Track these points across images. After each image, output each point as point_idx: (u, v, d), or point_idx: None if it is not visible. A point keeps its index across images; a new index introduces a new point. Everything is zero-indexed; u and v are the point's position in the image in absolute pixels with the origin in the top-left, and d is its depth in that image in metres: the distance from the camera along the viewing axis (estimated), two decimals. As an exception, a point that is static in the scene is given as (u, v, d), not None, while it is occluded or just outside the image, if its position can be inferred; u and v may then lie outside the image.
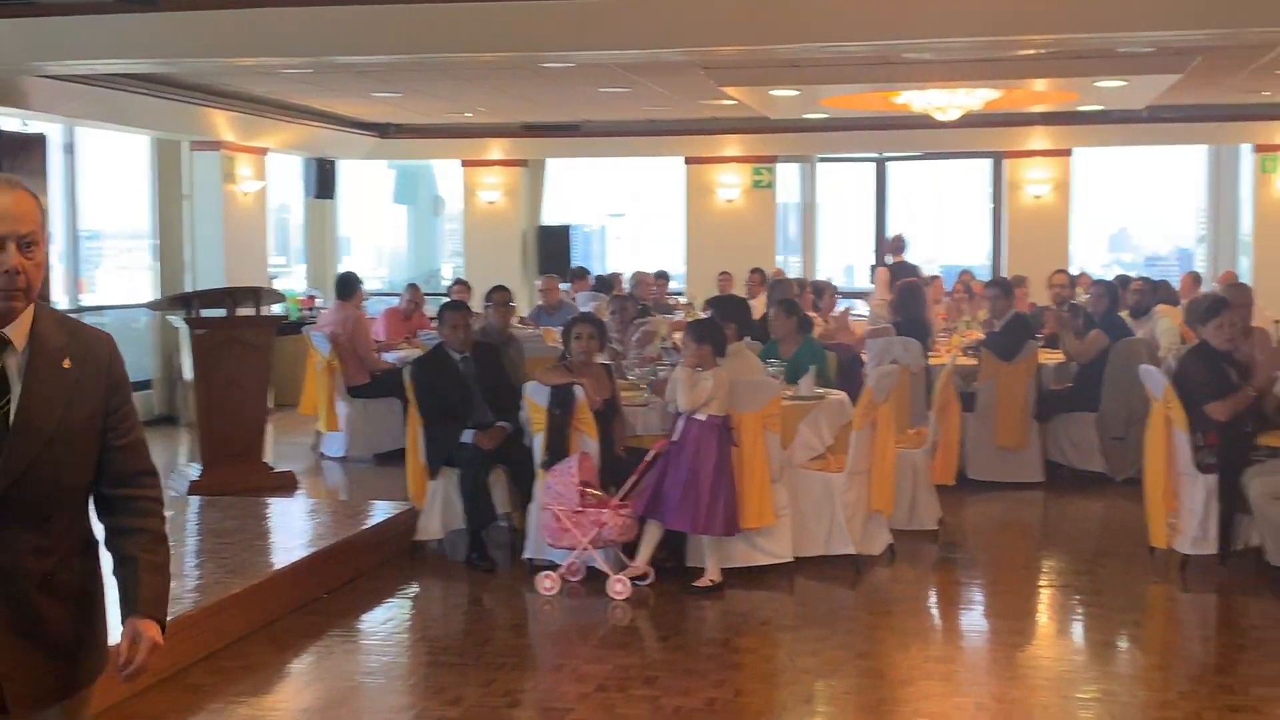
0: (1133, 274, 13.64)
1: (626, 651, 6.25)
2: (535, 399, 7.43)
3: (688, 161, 17.21)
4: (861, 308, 15.25)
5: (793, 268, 17.50)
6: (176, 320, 9.43)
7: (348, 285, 11.52)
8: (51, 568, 2.77)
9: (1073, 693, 5.65)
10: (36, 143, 11.93)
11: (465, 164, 17.85)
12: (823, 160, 17.95)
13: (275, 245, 17.33)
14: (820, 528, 7.42)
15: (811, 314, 10.48)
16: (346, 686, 5.83)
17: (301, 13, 9.20)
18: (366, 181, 19.93)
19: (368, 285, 12.35)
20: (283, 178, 16.84)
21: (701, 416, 6.96)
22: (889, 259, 14.93)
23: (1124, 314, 11.18)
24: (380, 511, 8.21)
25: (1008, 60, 10.93)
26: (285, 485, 9.50)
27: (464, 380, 7.98)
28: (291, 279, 17.86)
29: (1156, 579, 7.41)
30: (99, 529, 2.94)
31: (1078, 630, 6.88)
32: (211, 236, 14.11)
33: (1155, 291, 12.28)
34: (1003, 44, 9.50)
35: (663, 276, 15.32)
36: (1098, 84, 12.15)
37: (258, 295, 9.77)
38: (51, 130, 12.46)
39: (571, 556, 7.11)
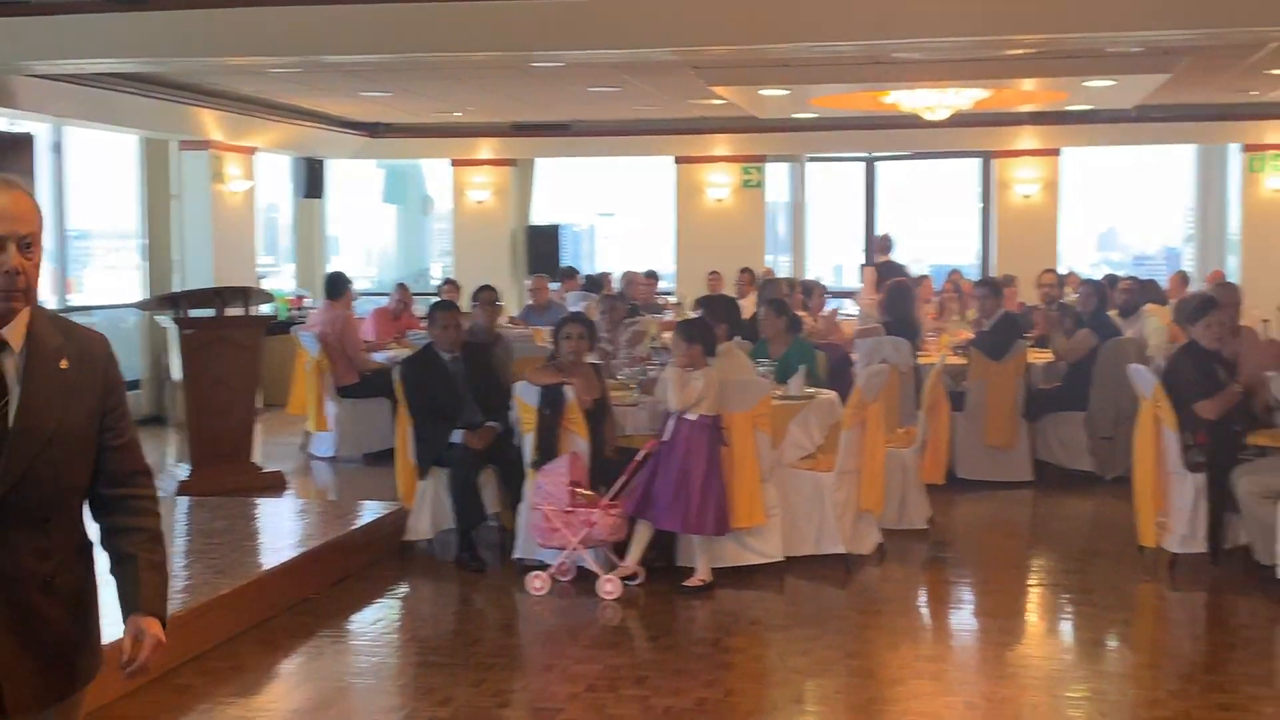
0: (1121, 273, 13.66)
1: (617, 651, 6.24)
2: (525, 399, 7.43)
3: (677, 161, 17.20)
4: (850, 307, 15.28)
5: (782, 267, 17.51)
6: (165, 320, 9.41)
7: (337, 285, 11.50)
8: (52, 570, 2.76)
9: (1062, 691, 5.66)
10: (24, 142, 11.89)
11: (454, 163, 17.83)
12: (812, 160, 17.95)
13: (264, 245, 17.28)
14: (810, 527, 7.43)
15: (801, 313, 10.49)
16: (336, 687, 5.82)
17: (290, 12, 9.18)
18: (355, 181, 19.91)
19: (356, 285, 12.32)
20: (271, 177, 16.81)
21: (692, 416, 6.96)
22: (876, 258, 14.94)
23: (1112, 313, 11.19)
24: (369, 512, 8.20)
25: (997, 60, 10.95)
26: (274, 485, 9.48)
27: (453, 380, 7.97)
28: (280, 279, 17.82)
29: (1145, 578, 7.42)
30: (92, 529, 2.94)
31: (1067, 629, 6.89)
32: (200, 236, 14.07)
33: (1143, 291, 12.29)
34: (992, 44, 9.51)
35: (652, 276, 15.32)
36: (1086, 84, 12.17)
37: (246, 295, 9.75)
38: (39, 130, 12.42)
39: (561, 556, 7.10)
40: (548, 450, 7.23)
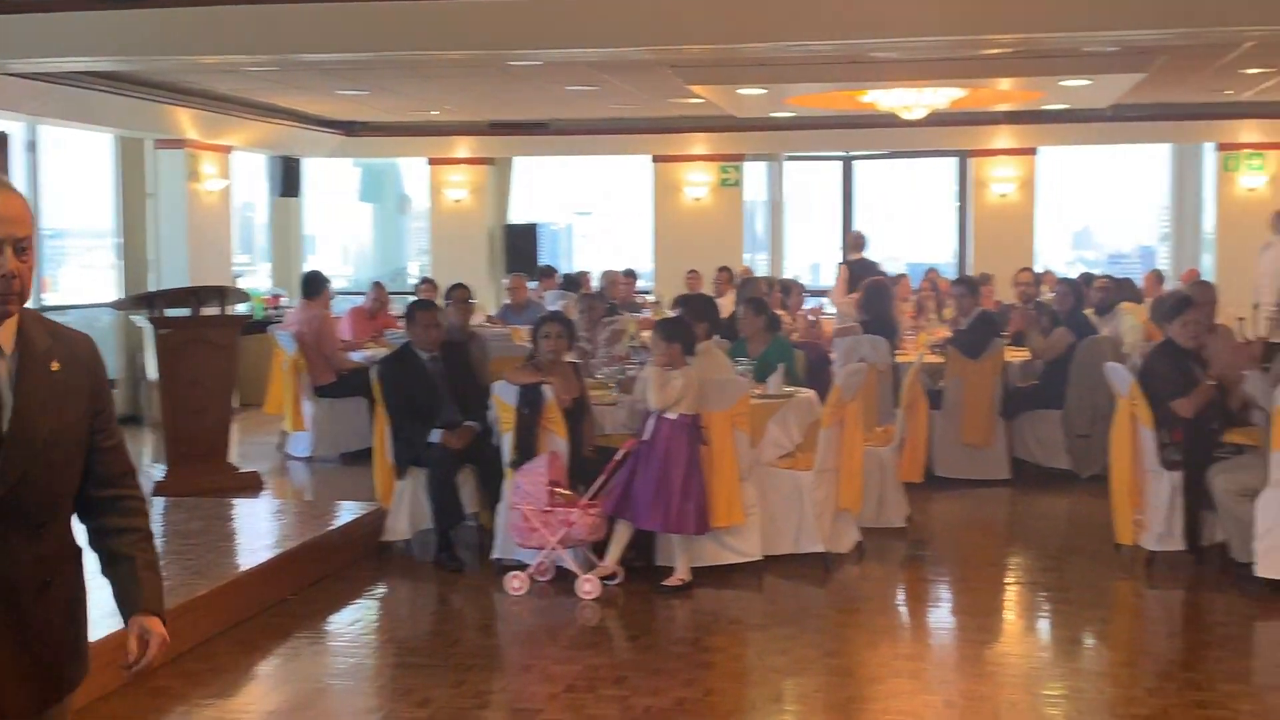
0: (1097, 272, 13.71)
1: (595, 651, 6.24)
2: (504, 398, 7.41)
3: (655, 160, 17.21)
4: (831, 306, 15.29)
5: (760, 266, 17.53)
6: (140, 320, 9.36)
7: (314, 284, 11.45)
8: (48, 576, 2.75)
9: (1040, 689, 5.67)
10: (-1, 141, 11.84)
11: (431, 162, 17.79)
12: (790, 159, 17.98)
13: (240, 244, 17.22)
14: (789, 526, 7.43)
15: (780, 312, 10.50)
16: (314, 688, 5.79)
17: (266, 10, 9.14)
18: (332, 180, 19.84)
19: (333, 284, 12.27)
20: (247, 176, 16.72)
21: (672, 415, 6.95)
22: (849, 256, 14.96)
23: (1088, 312, 11.24)
24: (347, 512, 8.17)
25: (973, 59, 10.98)
26: (251, 486, 9.44)
27: (432, 380, 7.95)
28: (256, 278, 17.75)
29: (1122, 575, 7.45)
30: (79, 532, 2.93)
31: (1045, 627, 6.91)
32: (176, 235, 14.00)
33: (1119, 289, 12.35)
34: (969, 43, 9.54)
35: (630, 275, 15.32)
36: (1062, 83, 12.21)
37: (222, 294, 9.70)
38: (14, 128, 12.34)
39: (540, 556, 7.09)
40: (526, 450, 7.22)
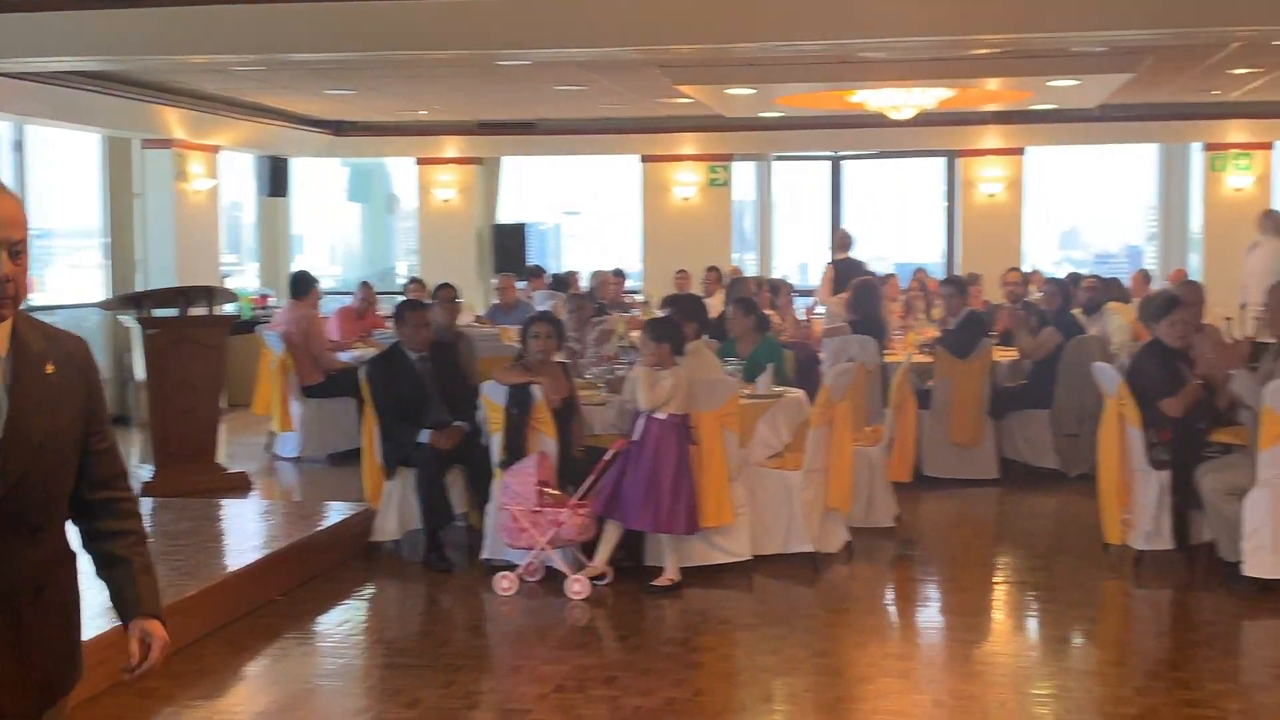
0: (1084, 271, 13.74)
1: (585, 652, 6.23)
2: (493, 398, 7.40)
3: (644, 160, 17.20)
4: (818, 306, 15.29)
5: (748, 266, 17.53)
6: (128, 320, 9.36)
7: (302, 284, 11.43)
8: (44, 580, 2.74)
9: (1029, 689, 5.68)
10: (-15, 141, 11.80)
11: (420, 162, 17.78)
12: (778, 159, 17.99)
13: (228, 244, 17.16)
14: (778, 526, 7.43)
15: (769, 312, 10.51)
16: (303, 689, 5.78)
17: (254, 10, 9.12)
18: (320, 179, 19.80)
19: (321, 284, 12.25)
20: (235, 176, 16.69)
21: (661, 415, 6.95)
22: (835, 255, 14.96)
23: (1076, 311, 11.26)
24: (335, 512, 8.15)
25: (962, 60, 11.00)
26: (239, 486, 9.42)
27: (420, 380, 7.93)
28: (244, 278, 17.72)
29: (1111, 575, 7.47)
30: (73, 534, 2.92)
31: (1033, 626, 6.93)
32: (163, 235, 13.97)
33: (1107, 289, 12.37)
34: (957, 44, 9.56)
35: (619, 275, 15.31)
36: (1050, 83, 12.24)
37: (210, 294, 9.68)
38: (1, 128, 12.30)
39: (529, 556, 7.08)
40: (515, 450, 7.21)
